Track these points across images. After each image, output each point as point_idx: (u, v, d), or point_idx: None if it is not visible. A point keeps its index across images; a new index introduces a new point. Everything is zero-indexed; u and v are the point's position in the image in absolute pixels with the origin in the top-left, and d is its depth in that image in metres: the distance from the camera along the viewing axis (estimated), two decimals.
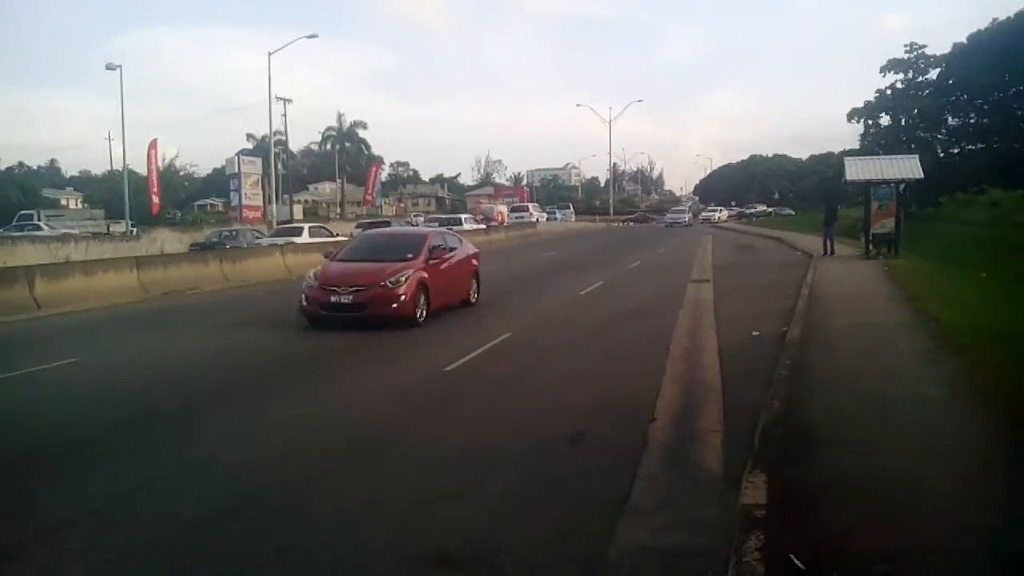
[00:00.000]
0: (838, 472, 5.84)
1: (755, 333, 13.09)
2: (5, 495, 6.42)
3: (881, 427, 6.98)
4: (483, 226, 52.81)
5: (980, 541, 4.73)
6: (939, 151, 49.59)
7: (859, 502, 5.27)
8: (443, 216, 56.94)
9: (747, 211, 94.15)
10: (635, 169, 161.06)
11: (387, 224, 40.15)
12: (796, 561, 4.38)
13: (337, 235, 36.04)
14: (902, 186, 27.19)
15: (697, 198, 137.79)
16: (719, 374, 10.21)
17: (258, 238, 37.14)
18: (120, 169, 52.62)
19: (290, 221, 52.96)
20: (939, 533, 4.81)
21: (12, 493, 6.46)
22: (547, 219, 74.62)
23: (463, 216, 54.87)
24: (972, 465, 6.06)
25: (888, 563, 4.41)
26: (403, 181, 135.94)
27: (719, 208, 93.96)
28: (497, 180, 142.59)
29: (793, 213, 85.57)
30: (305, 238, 33.64)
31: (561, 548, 5.23)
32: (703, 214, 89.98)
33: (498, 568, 4.97)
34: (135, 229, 47.84)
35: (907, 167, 26.90)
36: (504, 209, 68.70)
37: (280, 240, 33.23)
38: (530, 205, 78.48)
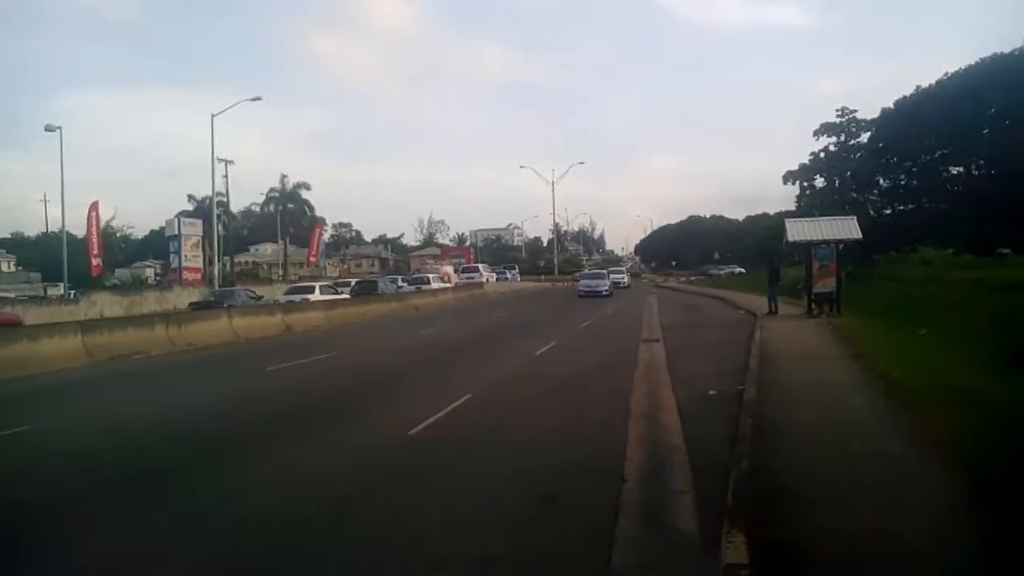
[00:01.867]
0: (816, 531, 5.95)
1: (712, 392, 13.28)
2: None
3: (850, 484, 7.14)
4: (449, 284, 57.86)
5: None
6: (872, 211, 51.17)
7: (841, 561, 5.39)
8: (416, 276, 61.39)
9: (711, 272, 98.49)
10: (577, 229, 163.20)
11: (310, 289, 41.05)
12: None
13: (341, 293, 41.08)
14: (841, 246, 27.98)
15: (639, 258, 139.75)
16: (682, 434, 10.32)
17: (253, 297, 39.15)
18: (56, 231, 51.82)
19: (233, 283, 52.82)
20: None
21: None
22: (497, 279, 75.52)
23: (431, 276, 59.32)
24: (944, 520, 6.22)
25: None
26: (346, 242, 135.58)
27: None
28: (440, 240, 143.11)
29: (743, 271, 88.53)
30: (317, 295, 38.16)
31: None
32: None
33: None
34: (73, 292, 46.83)
35: (846, 228, 27.72)
36: (450, 270, 69.10)
37: (296, 297, 37.48)
38: (480, 266, 79.30)
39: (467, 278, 67.78)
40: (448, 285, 56.66)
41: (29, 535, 7.01)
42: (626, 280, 65.61)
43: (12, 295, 47.58)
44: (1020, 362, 16.19)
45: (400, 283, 54.45)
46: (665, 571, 5.91)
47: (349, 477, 8.72)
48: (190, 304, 40.15)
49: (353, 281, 50.83)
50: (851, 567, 5.28)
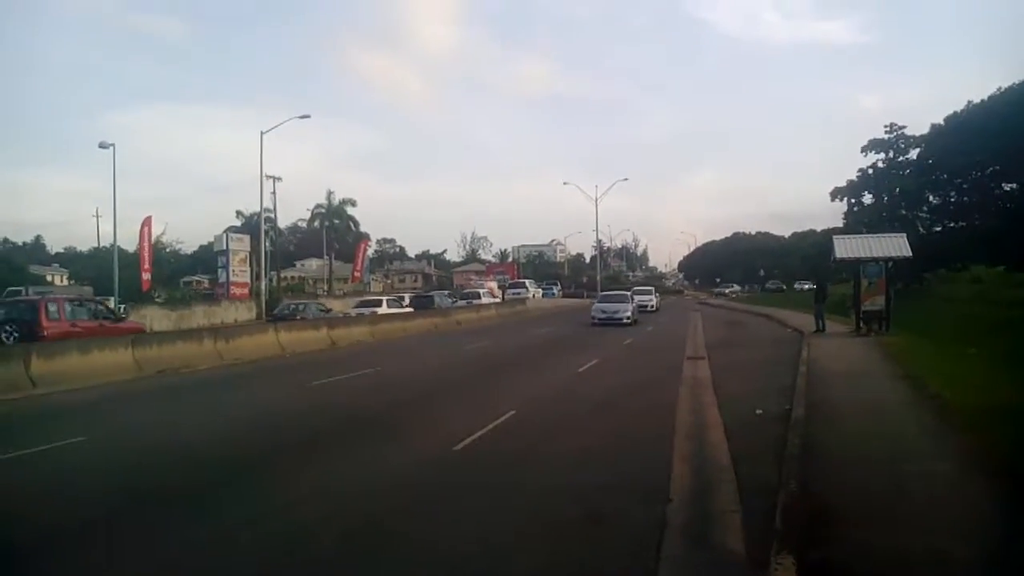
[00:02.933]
0: (865, 552, 5.86)
1: (758, 411, 13.13)
2: None
3: (901, 505, 7.01)
4: (498, 299, 61.75)
5: None
6: (921, 228, 50.43)
7: None
8: (468, 291, 63.33)
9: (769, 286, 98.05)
10: (620, 246, 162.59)
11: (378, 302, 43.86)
12: None
13: (406, 306, 45.16)
14: (890, 264, 27.59)
15: (682, 275, 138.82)
16: (728, 453, 10.22)
17: (325, 311, 40.65)
18: (107, 246, 52.69)
19: (286, 297, 53.67)
20: None
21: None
22: (543, 295, 76.88)
23: (481, 291, 61.84)
24: (995, 541, 6.10)
25: None
26: (390, 258, 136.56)
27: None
28: (483, 256, 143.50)
29: (784, 288, 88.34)
30: (384, 308, 41.84)
31: None
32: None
33: None
34: (124, 306, 47.71)
35: (895, 245, 27.35)
36: (494, 285, 70.20)
37: (366, 311, 40.69)
38: (527, 281, 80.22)
39: (514, 294, 69.70)
40: (495, 300, 59.25)
41: (80, 545, 7.13)
42: (654, 303, 53.14)
43: None
44: None
45: (450, 299, 55.58)
46: None
47: (392, 492, 8.74)
48: (268, 315, 42.95)
49: (407, 296, 53.22)
50: None
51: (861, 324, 26.88)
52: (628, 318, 38.08)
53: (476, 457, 10.36)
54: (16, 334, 23.22)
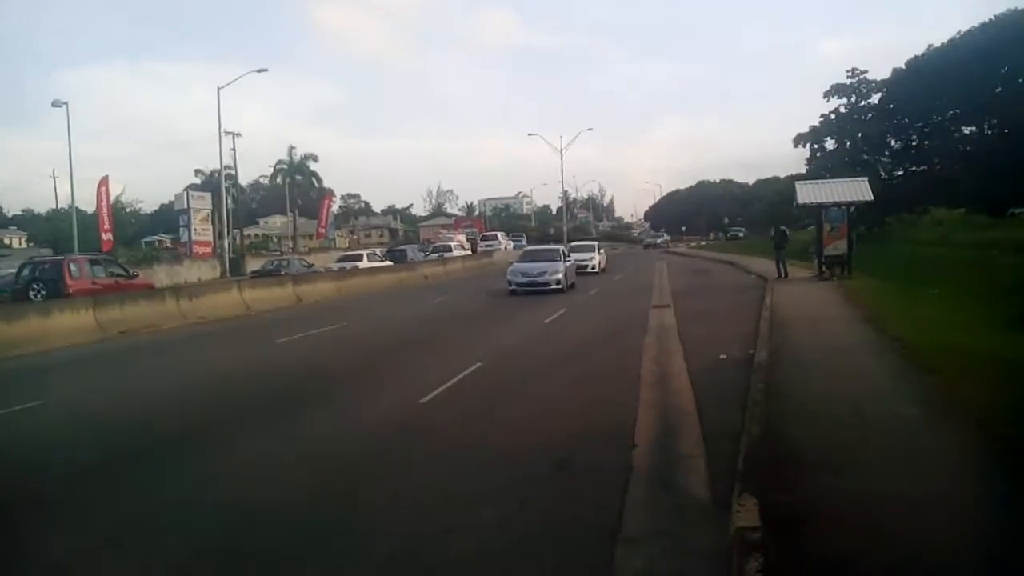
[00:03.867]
0: (828, 494, 5.92)
1: (722, 356, 13.24)
2: None
3: (863, 448, 7.09)
4: (468, 252, 61.45)
5: (979, 560, 4.82)
6: (883, 173, 50.70)
7: (853, 524, 5.35)
8: (439, 244, 62.57)
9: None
10: (586, 196, 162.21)
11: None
12: None
13: (386, 262, 45.71)
14: (852, 208, 27.76)
15: (648, 224, 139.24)
16: (693, 398, 10.29)
17: (307, 266, 42.45)
18: (66, 207, 51.68)
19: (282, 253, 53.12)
20: (938, 553, 4.89)
21: None
22: (513, 247, 77.32)
23: (451, 244, 61.58)
24: (958, 483, 6.17)
25: None
26: (355, 213, 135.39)
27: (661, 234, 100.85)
28: (449, 210, 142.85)
29: (741, 235, 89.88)
30: (365, 263, 43.19)
31: None
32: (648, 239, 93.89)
33: None
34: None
35: (857, 190, 27.49)
36: (463, 238, 70.66)
37: (348, 265, 42.25)
38: (499, 234, 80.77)
39: (487, 246, 70.20)
40: (466, 253, 59.71)
41: (38, 508, 7.06)
42: (596, 263, 40.37)
43: None
44: None
45: (422, 252, 55.52)
46: (676, 535, 5.88)
47: (359, 446, 8.73)
48: (251, 273, 43.35)
49: (377, 251, 53.10)
50: (862, 529, 5.24)
51: (823, 269, 27.11)
52: (558, 282, 28.61)
53: (442, 409, 10.36)
54: (43, 292, 24.95)
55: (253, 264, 52.18)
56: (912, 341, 12.10)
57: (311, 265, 43.91)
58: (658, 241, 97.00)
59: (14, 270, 29.09)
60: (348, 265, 41.72)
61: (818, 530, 5.28)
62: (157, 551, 5.97)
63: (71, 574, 5.62)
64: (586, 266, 38.09)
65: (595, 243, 47.85)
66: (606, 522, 6.07)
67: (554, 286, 28.41)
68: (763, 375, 10.47)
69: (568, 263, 30.70)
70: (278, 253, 69.50)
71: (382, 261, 45.45)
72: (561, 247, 35.31)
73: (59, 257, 30.48)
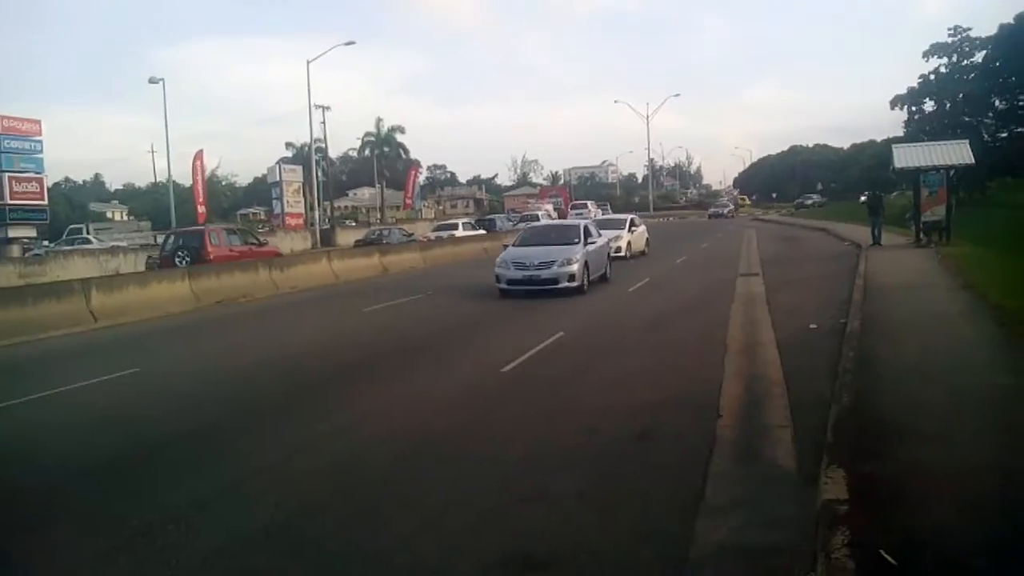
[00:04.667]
0: (918, 466, 5.73)
1: (813, 326, 12.93)
2: (75, 506, 6.54)
3: (957, 418, 6.85)
4: (555, 220, 57.55)
5: None
6: (986, 135, 48.55)
7: (944, 496, 5.17)
8: (527, 214, 61.05)
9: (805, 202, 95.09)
10: (673, 164, 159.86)
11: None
12: (888, 557, 4.30)
13: (480, 230, 46.36)
14: (952, 172, 26.68)
15: (737, 191, 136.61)
16: (780, 368, 10.07)
17: (408, 235, 43.70)
18: (164, 181, 53.54)
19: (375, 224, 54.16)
20: None
21: (87, 502, 6.59)
22: (603, 215, 77.13)
23: (539, 213, 59.15)
24: None
25: (985, 557, 4.31)
26: (441, 184, 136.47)
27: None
28: (534, 179, 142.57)
29: (809, 203, 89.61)
30: (461, 231, 44.28)
31: (642, 548, 5.20)
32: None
33: (582, 569, 4.96)
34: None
35: (957, 153, 26.36)
36: (551, 207, 70.46)
37: (444, 234, 43.60)
38: (588, 202, 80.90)
39: (576, 214, 69.93)
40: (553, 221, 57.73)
41: (141, 471, 7.36)
42: (624, 243, 29.48)
43: (124, 243, 49.71)
44: None
45: (510, 222, 55.64)
46: (760, 506, 5.78)
47: (441, 413, 8.81)
48: (355, 242, 44.48)
49: (465, 220, 53.00)
50: (952, 501, 5.06)
51: (921, 235, 26.18)
52: (572, 277, 18.75)
53: (524, 379, 10.37)
54: (188, 258, 27.34)
55: (343, 235, 53.09)
56: (1012, 309, 11.58)
57: (411, 234, 44.91)
58: (724, 211, 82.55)
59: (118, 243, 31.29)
60: (445, 234, 43.40)
61: (907, 502, 5.11)
62: (244, 517, 6.14)
63: (156, 536, 5.82)
64: (614, 248, 27.09)
65: (629, 217, 33.68)
66: (688, 493, 6.00)
67: (565, 284, 18.50)
68: (854, 344, 10.18)
69: (592, 246, 20.37)
70: (367, 224, 70.55)
71: (475, 230, 46.53)
72: (584, 222, 23.68)
73: (200, 227, 34.79)
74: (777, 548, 5.08)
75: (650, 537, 5.34)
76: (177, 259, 27.73)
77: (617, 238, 28.12)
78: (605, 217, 39.46)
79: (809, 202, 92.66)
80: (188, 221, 56.61)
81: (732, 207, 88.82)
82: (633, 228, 31.12)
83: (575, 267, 18.66)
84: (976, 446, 6.10)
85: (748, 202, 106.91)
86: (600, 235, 22.30)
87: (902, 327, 11.47)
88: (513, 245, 20.93)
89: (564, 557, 5.11)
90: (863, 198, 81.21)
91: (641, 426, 7.75)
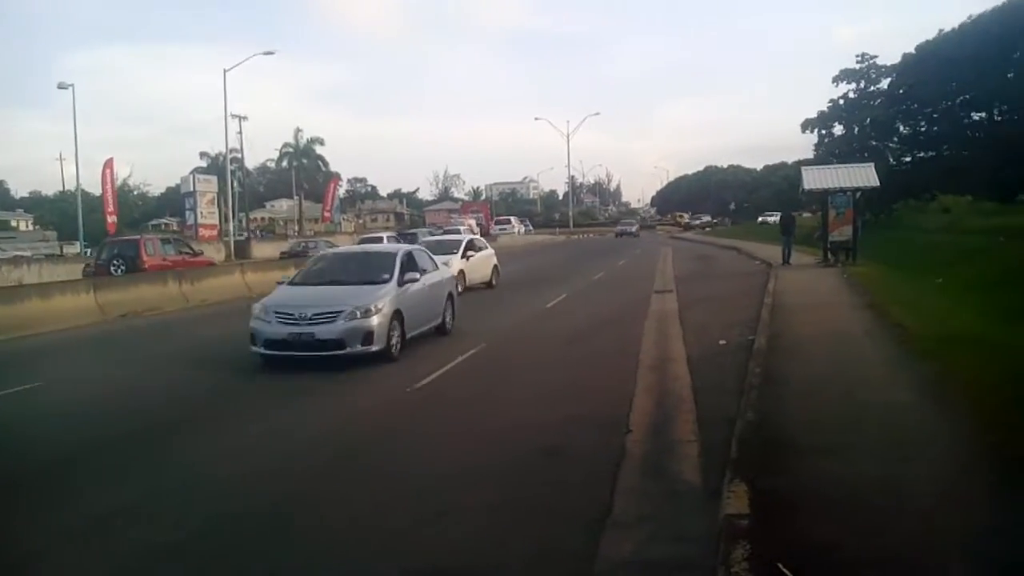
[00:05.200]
0: (818, 480, 5.86)
1: (722, 342, 13.16)
2: None
3: (856, 434, 7.03)
4: (477, 235, 57.60)
5: (967, 546, 4.75)
6: (891, 159, 50.33)
7: (843, 510, 5.30)
8: (449, 228, 60.80)
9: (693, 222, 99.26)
10: (593, 181, 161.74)
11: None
12: (784, 570, 4.38)
13: (401, 242, 43.39)
14: (858, 194, 27.58)
15: (655, 209, 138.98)
16: (690, 385, 10.23)
17: (331, 246, 42.23)
18: (72, 189, 51.75)
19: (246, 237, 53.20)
20: (926, 539, 4.84)
21: None
22: (525, 231, 79.60)
23: (461, 228, 58.75)
24: (950, 469, 6.11)
25: (876, 570, 4.42)
26: (361, 197, 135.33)
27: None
28: (455, 195, 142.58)
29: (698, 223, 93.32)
30: (386, 244, 40.58)
31: (548, 563, 5.21)
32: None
33: None
34: (89, 250, 47.07)
35: (863, 175, 27.28)
36: (473, 222, 71.01)
37: (371, 248, 38.33)
38: (512, 218, 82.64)
39: (500, 229, 71.32)
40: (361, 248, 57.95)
41: (35, 488, 7.04)
42: (453, 273, 18.52)
43: (29, 253, 47.94)
44: None
45: (432, 236, 55.44)
46: (665, 521, 5.83)
47: (355, 429, 8.71)
48: (281, 254, 44.08)
49: (389, 234, 52.28)
50: (850, 515, 5.18)
51: (828, 255, 26.97)
52: (368, 338, 11.99)
53: (437, 395, 10.33)
54: (123, 267, 27.77)
55: (259, 248, 52.19)
56: (913, 329, 12.01)
57: (336, 246, 43.99)
58: (632, 229, 79.47)
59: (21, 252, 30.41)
60: (371, 248, 42.23)
61: (807, 516, 5.22)
62: (147, 534, 5.92)
63: (53, 556, 5.57)
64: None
65: (464, 238, 27.99)
66: (595, 508, 6.02)
67: (357, 348, 11.98)
68: (761, 361, 10.40)
69: (414, 285, 13.58)
70: (284, 236, 69.44)
71: (400, 243, 45.53)
72: (409, 248, 15.93)
73: (136, 237, 34.69)
74: (680, 563, 5.14)
75: (556, 553, 5.35)
76: (112, 267, 28.00)
77: (448, 264, 19.75)
78: (436, 238, 31.91)
79: (696, 222, 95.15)
80: (97, 231, 54.93)
81: (639, 226, 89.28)
82: (470, 253, 24.75)
83: (375, 321, 12.09)
84: (874, 461, 6.27)
85: (685, 218, 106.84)
86: (437, 266, 15.64)
87: (807, 344, 11.76)
88: (289, 283, 14.27)
89: (472, 573, 5.07)
90: (761, 219, 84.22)
91: (552, 442, 7.76)
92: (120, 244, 31.17)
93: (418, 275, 13.67)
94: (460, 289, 18.69)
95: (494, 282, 25.58)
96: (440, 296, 14.85)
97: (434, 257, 16.35)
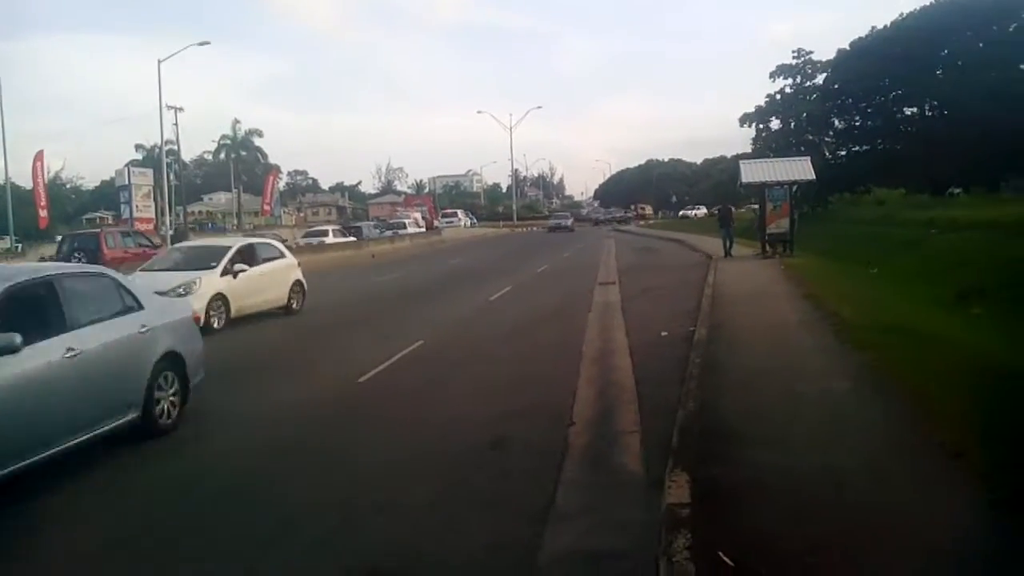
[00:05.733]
0: (758, 469, 5.95)
1: (664, 333, 13.30)
2: None
3: (794, 423, 7.15)
4: (423, 229, 60.59)
5: (903, 532, 4.86)
6: (827, 153, 51.42)
7: (781, 497, 5.39)
8: (394, 222, 61.94)
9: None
10: (537, 175, 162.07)
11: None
12: (725, 558, 4.44)
13: (350, 237, 45.75)
14: (795, 187, 28.06)
15: (598, 202, 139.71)
16: (632, 376, 10.32)
17: (281, 242, 41.14)
18: (0, 183, 50.07)
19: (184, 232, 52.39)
20: (862, 525, 4.94)
21: None
22: (471, 224, 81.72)
23: (406, 221, 60.58)
24: (886, 457, 6.23)
25: (815, 555, 4.50)
26: (302, 190, 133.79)
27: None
28: (399, 188, 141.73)
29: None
30: (331, 238, 43.76)
31: (491, 556, 5.21)
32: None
33: None
34: (19, 245, 45.82)
35: (799, 169, 27.75)
36: (419, 216, 71.06)
37: (314, 240, 43.08)
38: (459, 211, 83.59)
39: (447, 222, 71.69)
40: (420, 230, 59.53)
41: None
42: (206, 301, 14.76)
43: None
44: (966, 300, 16.48)
45: (377, 229, 55.39)
46: (608, 512, 5.88)
47: (293, 426, 8.57)
48: None
49: (335, 227, 52.28)
50: (789, 503, 5.28)
51: (766, 247, 27.38)
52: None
53: (380, 389, 10.24)
54: (84, 259, 27.37)
55: (197, 242, 51.25)
56: (848, 318, 12.25)
57: (285, 241, 43.47)
58: (566, 223, 71.43)
59: None
60: (315, 240, 43.29)
61: (747, 505, 5.30)
62: (78, 536, 5.77)
63: None
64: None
65: (233, 244, 18.10)
66: (539, 500, 6.04)
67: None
68: (701, 351, 10.53)
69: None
70: (222, 230, 68.35)
71: (346, 237, 46.30)
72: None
73: (96, 230, 36.91)
74: (623, 552, 5.17)
75: (500, 546, 5.34)
76: (74, 260, 27.87)
77: (189, 287, 14.91)
78: (188, 245, 22.73)
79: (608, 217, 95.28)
80: (28, 226, 53.48)
81: (572, 219, 78.03)
82: (240, 268, 16.53)
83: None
84: (811, 449, 6.39)
85: (647, 211, 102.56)
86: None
87: (746, 335, 11.94)
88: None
89: (414, 567, 5.07)
90: (682, 213, 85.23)
91: (494, 435, 7.76)
92: (81, 237, 32.41)
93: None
94: (218, 323, 15.20)
95: (295, 305, 18.21)
96: (123, 368, 7.71)
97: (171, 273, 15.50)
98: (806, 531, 4.84)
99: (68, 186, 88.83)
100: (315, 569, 5.11)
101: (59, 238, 37.84)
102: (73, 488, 6.64)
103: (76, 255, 28.81)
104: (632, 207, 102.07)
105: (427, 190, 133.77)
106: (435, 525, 5.71)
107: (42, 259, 32.94)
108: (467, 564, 5.12)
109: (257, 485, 6.72)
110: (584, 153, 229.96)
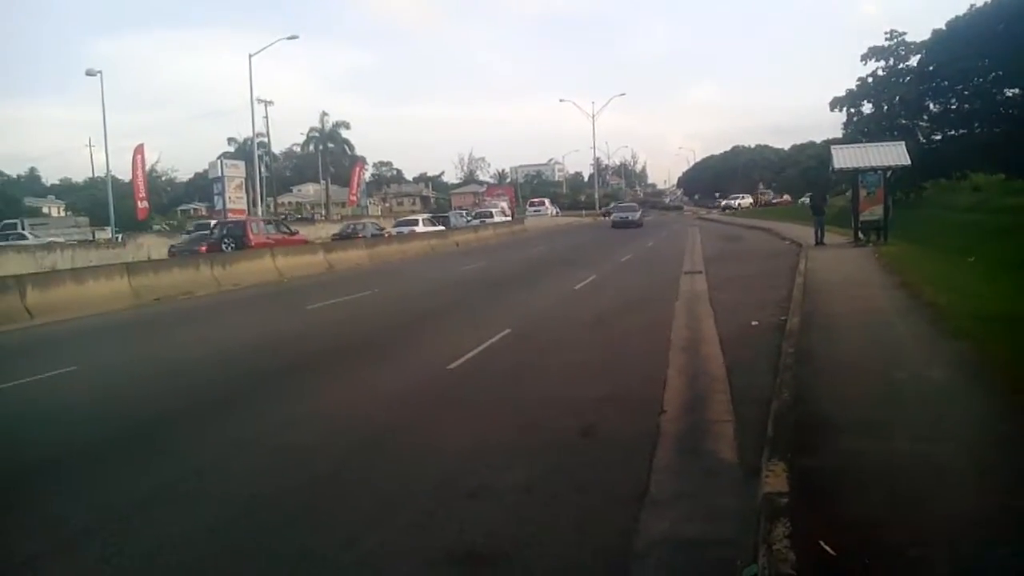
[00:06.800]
0: (856, 458, 5.85)
1: (754, 323, 13.13)
2: (18, 505, 6.38)
3: (891, 412, 6.99)
4: (509, 218, 62.52)
5: (1008, 520, 4.74)
6: (921, 137, 49.67)
7: (881, 487, 5.28)
8: (481, 211, 64.27)
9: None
10: (618, 163, 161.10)
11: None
12: (827, 548, 4.39)
13: (439, 226, 47.24)
14: (889, 173, 27.28)
15: (681, 191, 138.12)
16: (723, 364, 10.22)
17: (380, 230, 45.03)
18: (102, 176, 52.29)
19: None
20: (965, 514, 4.83)
21: (24, 503, 6.43)
22: (556, 213, 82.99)
23: (493, 211, 63.12)
24: (985, 445, 6.08)
25: (919, 547, 4.42)
26: (387, 181, 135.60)
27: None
28: (481, 177, 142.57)
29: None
30: (421, 227, 45.03)
31: (586, 541, 5.24)
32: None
33: (526, 563, 4.97)
34: (120, 236, 47.59)
35: (894, 154, 26.97)
36: (505, 205, 72.37)
37: (405, 229, 44.67)
38: (546, 200, 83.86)
39: (534, 211, 72.41)
40: (506, 219, 61.34)
41: (80, 470, 7.17)
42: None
43: (61, 239, 48.49)
44: None
45: (464, 219, 57.59)
46: (703, 499, 5.86)
47: (386, 411, 8.74)
48: (332, 236, 45.12)
49: (424, 216, 53.76)
50: (888, 492, 5.18)
51: (859, 235, 26.74)
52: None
53: (469, 376, 10.35)
54: (232, 245, 31.28)
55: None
56: (946, 307, 11.91)
57: (383, 230, 45.82)
58: (633, 217, 57.91)
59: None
60: (405, 229, 44.81)
61: (846, 494, 5.22)
62: (184, 516, 6.03)
63: (94, 537, 5.69)
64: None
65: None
66: (632, 486, 6.06)
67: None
68: (794, 341, 10.36)
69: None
70: (311, 221, 69.74)
71: (435, 226, 47.37)
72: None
73: (242, 218, 40.56)
74: (720, 540, 5.16)
75: (594, 530, 5.38)
76: (224, 245, 31.54)
77: None
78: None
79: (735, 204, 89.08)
80: (127, 217, 55.46)
81: (640, 211, 62.96)
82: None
83: None
84: (910, 438, 6.25)
85: (768, 196, 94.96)
86: None
87: (840, 324, 11.69)
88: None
89: (510, 552, 5.12)
90: (725, 203, 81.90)
91: (586, 422, 7.80)
92: (229, 225, 35.15)
93: None
94: None
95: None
96: None
97: None
98: (908, 521, 4.75)
99: (163, 178, 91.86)
100: (414, 549, 5.22)
101: (188, 228, 43.02)
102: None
103: (226, 240, 31.84)
104: (755, 193, 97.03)
105: (509, 180, 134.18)
106: (529, 510, 5.76)
107: (172, 246, 35.98)
108: (562, 548, 5.16)
109: (353, 469, 6.90)
110: (667, 140, 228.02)
